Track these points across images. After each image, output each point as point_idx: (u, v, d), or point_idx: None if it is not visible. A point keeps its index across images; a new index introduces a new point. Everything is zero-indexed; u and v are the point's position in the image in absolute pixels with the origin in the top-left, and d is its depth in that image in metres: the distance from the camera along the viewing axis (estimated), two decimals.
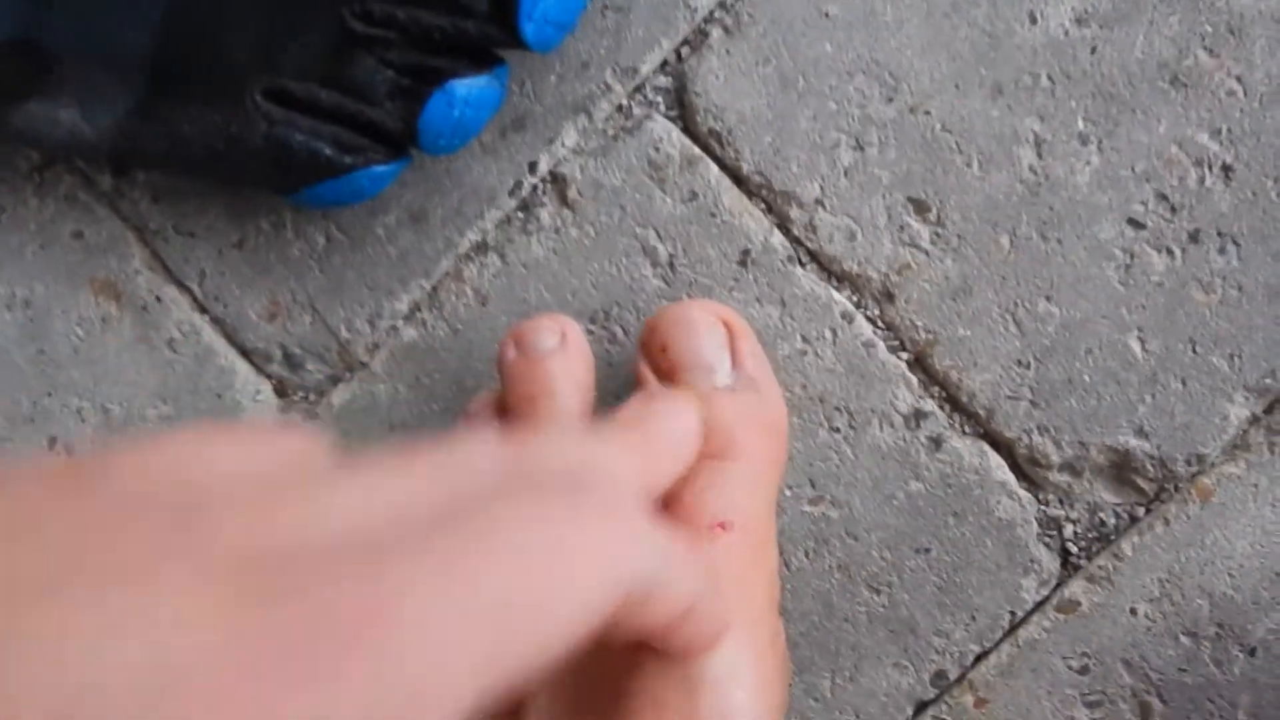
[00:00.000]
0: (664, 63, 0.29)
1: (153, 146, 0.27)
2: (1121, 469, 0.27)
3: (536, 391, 0.25)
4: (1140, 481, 0.27)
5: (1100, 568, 0.28)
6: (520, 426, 0.25)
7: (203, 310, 0.31)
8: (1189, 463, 0.27)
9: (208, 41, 0.26)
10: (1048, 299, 0.27)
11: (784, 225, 0.28)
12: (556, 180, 0.29)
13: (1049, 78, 0.27)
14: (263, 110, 0.26)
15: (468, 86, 0.25)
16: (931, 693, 0.28)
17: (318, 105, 0.26)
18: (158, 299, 0.32)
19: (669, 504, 0.24)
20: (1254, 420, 0.27)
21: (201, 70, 0.27)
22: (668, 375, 0.26)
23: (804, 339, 0.28)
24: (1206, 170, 0.27)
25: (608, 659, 0.22)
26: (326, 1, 0.25)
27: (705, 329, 0.26)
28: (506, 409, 0.26)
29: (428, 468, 0.14)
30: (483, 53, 0.25)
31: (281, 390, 0.31)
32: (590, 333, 0.29)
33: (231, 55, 0.26)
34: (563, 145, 0.29)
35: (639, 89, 0.29)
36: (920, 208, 0.28)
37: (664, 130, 0.29)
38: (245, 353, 0.31)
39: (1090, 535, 0.28)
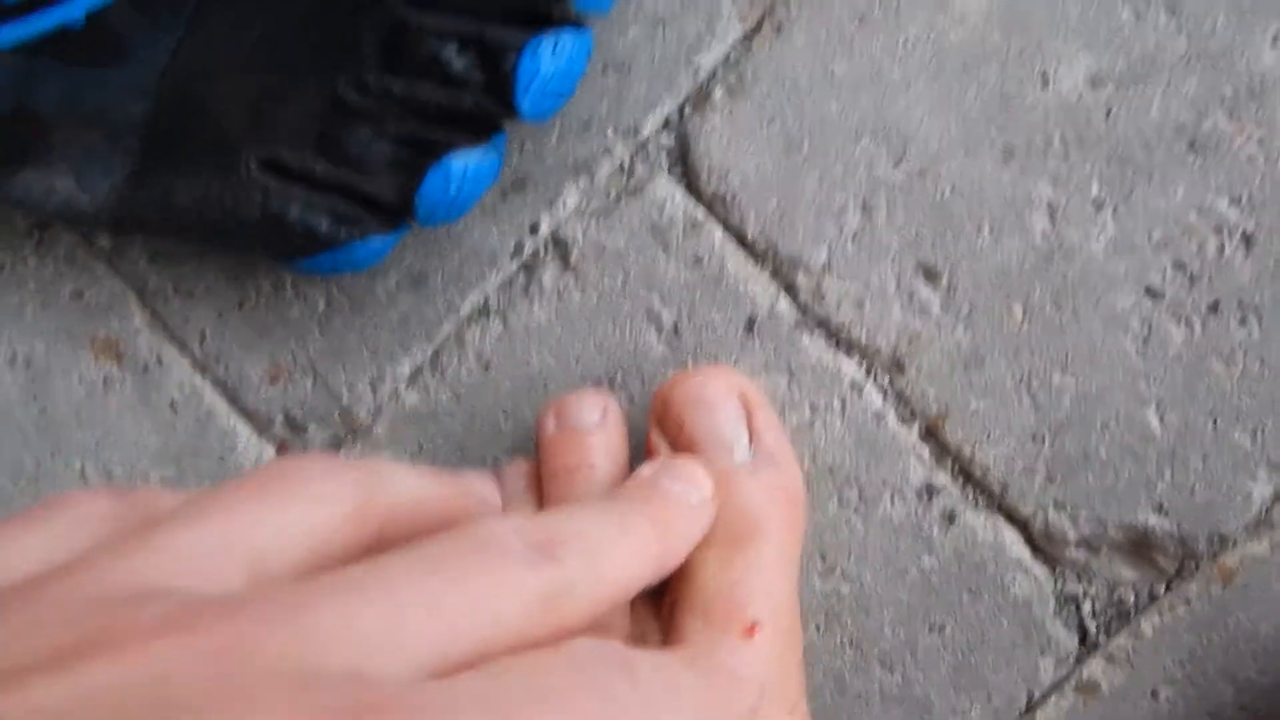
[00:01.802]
0: (667, 122, 0.38)
1: (149, 215, 0.37)
2: (1141, 546, 0.35)
3: (575, 465, 0.34)
4: (1160, 560, 0.35)
5: (1119, 647, 0.36)
6: (555, 499, 0.34)
7: (204, 371, 0.41)
8: (1210, 542, 0.35)
9: (202, 109, 0.36)
10: (1063, 370, 0.35)
11: (791, 291, 0.37)
12: (558, 242, 0.38)
13: (1062, 141, 0.35)
14: (258, 181, 0.35)
15: (465, 160, 0.33)
16: None
17: (313, 176, 0.35)
18: (159, 359, 0.42)
19: (696, 598, 0.32)
20: (1278, 498, 0.34)
21: (196, 138, 0.36)
22: (684, 450, 0.34)
23: (812, 409, 0.37)
24: (1226, 239, 0.34)
25: None
26: (321, 71, 0.34)
27: (721, 405, 0.34)
28: (541, 479, 0.35)
29: None
30: (480, 123, 0.34)
31: (284, 453, 0.41)
32: None
33: (226, 123, 0.35)
34: (564, 206, 0.38)
35: (641, 149, 0.38)
36: (930, 274, 0.36)
37: (667, 192, 0.38)
38: (247, 415, 0.41)
39: (1109, 613, 0.36)
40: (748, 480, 0.32)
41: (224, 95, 0.34)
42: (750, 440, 0.33)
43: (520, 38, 0.31)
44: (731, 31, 0.36)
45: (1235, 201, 0.33)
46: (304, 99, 0.33)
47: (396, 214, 0.34)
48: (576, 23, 0.32)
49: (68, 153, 0.35)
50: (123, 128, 0.34)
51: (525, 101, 0.32)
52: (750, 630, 0.30)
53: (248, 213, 0.34)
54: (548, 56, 0.31)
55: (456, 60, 0.31)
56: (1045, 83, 0.34)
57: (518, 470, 0.35)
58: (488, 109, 0.32)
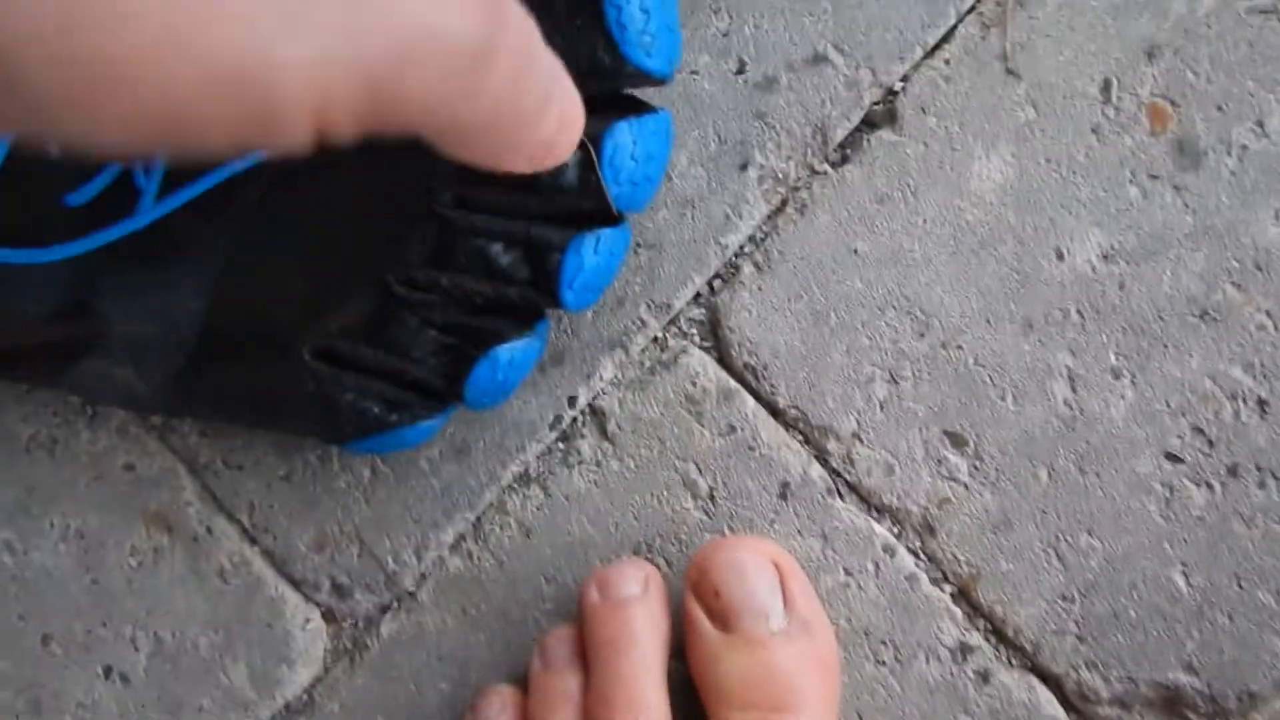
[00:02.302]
0: (697, 296, 0.39)
1: (204, 402, 0.38)
2: (1172, 704, 0.36)
3: (618, 635, 0.35)
4: (1192, 717, 0.36)
5: None
6: (600, 669, 0.35)
7: (252, 541, 0.42)
8: (1240, 699, 0.35)
9: (256, 305, 0.37)
10: (1089, 533, 0.36)
11: (822, 458, 0.38)
12: (596, 413, 0.40)
13: (1079, 313, 0.36)
14: (311, 369, 0.36)
15: (511, 351, 0.35)
16: None
17: (363, 363, 0.36)
18: (208, 530, 0.43)
19: None
20: None
21: (251, 331, 0.37)
22: (720, 618, 0.35)
23: (846, 572, 0.38)
24: (1241, 404, 0.35)
25: None
26: (370, 269, 0.36)
27: (756, 572, 0.35)
28: (585, 649, 0.36)
29: None
30: (524, 312, 0.35)
31: (331, 618, 0.42)
32: None
33: (280, 317, 0.37)
34: (601, 379, 0.40)
35: (673, 322, 0.39)
36: (957, 441, 0.37)
37: (700, 364, 0.39)
38: (294, 583, 0.42)
39: None
40: (783, 648, 0.33)
41: (278, 291, 0.35)
42: (785, 607, 0.34)
43: (564, 237, 0.33)
44: (757, 212, 0.38)
45: (1248, 369, 0.34)
46: (355, 293, 0.35)
47: (444, 399, 0.35)
48: (616, 220, 0.33)
49: (127, 346, 0.36)
50: (181, 325, 0.36)
51: (569, 296, 0.33)
52: None
53: (299, 400, 0.35)
54: (590, 254, 0.33)
55: (503, 257, 0.33)
56: (1060, 257, 0.35)
57: (562, 637, 0.36)
58: (533, 302, 0.34)
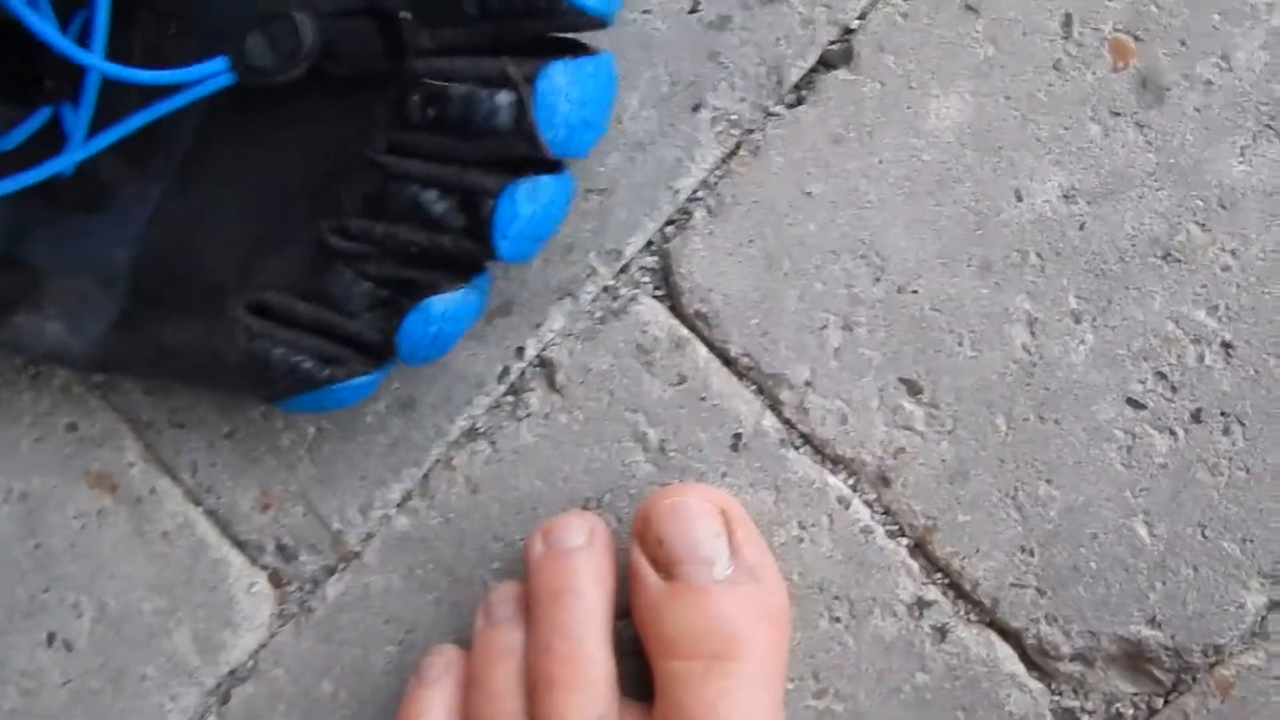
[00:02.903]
0: (649, 243, 0.38)
1: (137, 358, 0.37)
2: (1135, 659, 0.34)
3: (561, 587, 0.33)
4: (1156, 672, 0.34)
5: None
6: (541, 622, 0.34)
7: (196, 502, 0.41)
8: (1205, 653, 0.34)
9: (188, 255, 0.36)
10: (1048, 482, 0.35)
11: (775, 408, 0.37)
12: (544, 365, 0.38)
13: (1038, 255, 0.35)
14: (243, 323, 0.35)
15: (445, 302, 0.33)
16: None
17: (297, 318, 0.35)
18: (152, 491, 0.41)
19: (678, 715, 0.32)
20: (1272, 606, 0.34)
21: (183, 283, 0.36)
22: (664, 567, 0.34)
23: (800, 525, 0.36)
24: (1205, 348, 0.34)
25: None
26: (304, 218, 0.34)
27: (701, 520, 0.34)
28: (529, 602, 0.34)
29: None
30: (461, 264, 0.34)
31: (276, 581, 0.41)
32: None
33: (212, 269, 0.35)
34: (549, 329, 0.38)
35: (624, 270, 0.38)
36: (913, 389, 0.36)
37: (651, 312, 0.37)
38: (239, 544, 0.41)
39: None
40: (728, 596, 0.31)
41: (210, 243, 0.34)
42: (731, 556, 0.32)
43: (498, 183, 0.31)
44: (709, 156, 0.36)
45: (1212, 311, 0.33)
46: (289, 246, 0.33)
47: (379, 354, 0.34)
48: (555, 166, 0.32)
49: (58, 298, 0.35)
50: (112, 274, 0.35)
51: (503, 245, 0.32)
52: None
53: (233, 355, 0.34)
54: (525, 201, 0.31)
55: (437, 205, 0.32)
56: (1019, 198, 0.34)
57: (505, 593, 0.34)
58: (468, 251, 0.32)
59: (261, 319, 0.34)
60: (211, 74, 0.31)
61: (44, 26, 0.30)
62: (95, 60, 0.30)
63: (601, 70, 0.32)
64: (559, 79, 0.31)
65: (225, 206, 0.34)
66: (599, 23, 0.31)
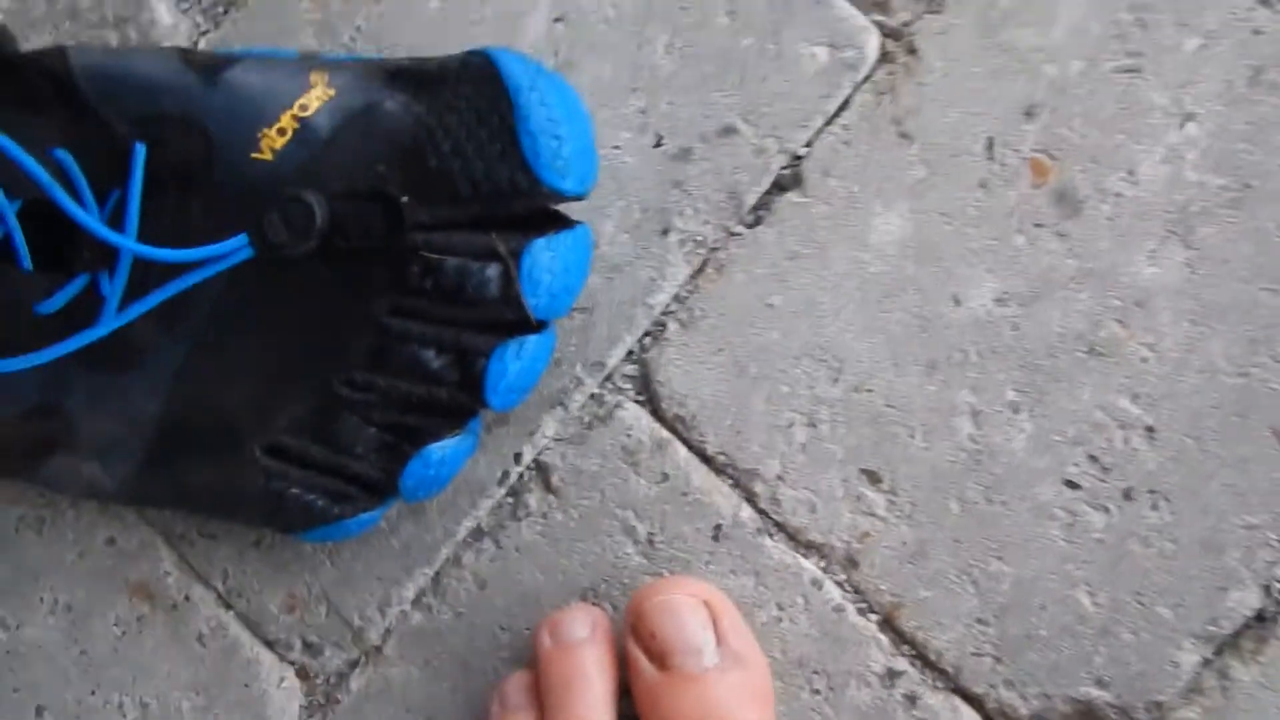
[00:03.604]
0: (629, 354, 0.41)
1: (163, 495, 0.40)
2: (1086, 718, 0.37)
3: (571, 676, 0.36)
4: None
5: None
6: (554, 709, 0.36)
7: (228, 606, 0.44)
8: (1148, 710, 0.37)
9: (211, 406, 0.38)
10: (999, 558, 0.38)
11: (751, 500, 0.40)
12: (540, 468, 0.41)
13: (978, 354, 0.38)
14: (261, 464, 0.38)
15: (442, 449, 0.36)
16: None
17: (310, 459, 0.38)
18: (186, 598, 0.44)
19: None
20: (1205, 664, 0.36)
21: (205, 430, 0.39)
22: (657, 658, 0.36)
23: (778, 606, 0.39)
24: (1131, 432, 0.37)
25: None
26: (314, 371, 0.37)
27: (688, 614, 0.37)
28: (540, 691, 0.37)
29: None
30: (455, 413, 0.37)
31: (304, 676, 0.43)
32: None
33: (232, 417, 0.38)
34: (544, 435, 0.41)
35: (608, 380, 0.41)
36: (873, 478, 0.39)
37: (634, 417, 0.41)
38: (268, 643, 0.44)
39: None
40: (718, 682, 0.34)
41: (230, 395, 0.37)
42: (718, 644, 0.35)
43: (489, 344, 0.34)
44: (680, 273, 0.39)
45: (1135, 398, 0.36)
46: (301, 395, 0.37)
47: (383, 492, 0.37)
48: (539, 327, 0.35)
49: (92, 442, 0.38)
50: (141, 423, 0.38)
51: (495, 399, 0.35)
52: None
53: (250, 493, 0.37)
54: (513, 360, 0.35)
55: (434, 362, 0.35)
56: (957, 303, 0.37)
57: (518, 683, 0.37)
58: (462, 403, 0.35)
59: (277, 460, 0.37)
60: (233, 250, 0.34)
61: (84, 215, 0.34)
62: (130, 243, 0.34)
63: (579, 242, 0.35)
64: (541, 255, 0.34)
65: (244, 363, 0.37)
66: (576, 198, 0.35)
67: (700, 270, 0.39)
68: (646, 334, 0.40)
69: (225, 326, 0.37)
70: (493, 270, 0.34)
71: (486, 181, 0.34)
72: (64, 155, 0.36)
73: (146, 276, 0.36)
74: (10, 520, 0.45)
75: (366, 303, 0.35)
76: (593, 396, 0.40)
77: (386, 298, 0.35)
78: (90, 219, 0.33)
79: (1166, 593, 0.36)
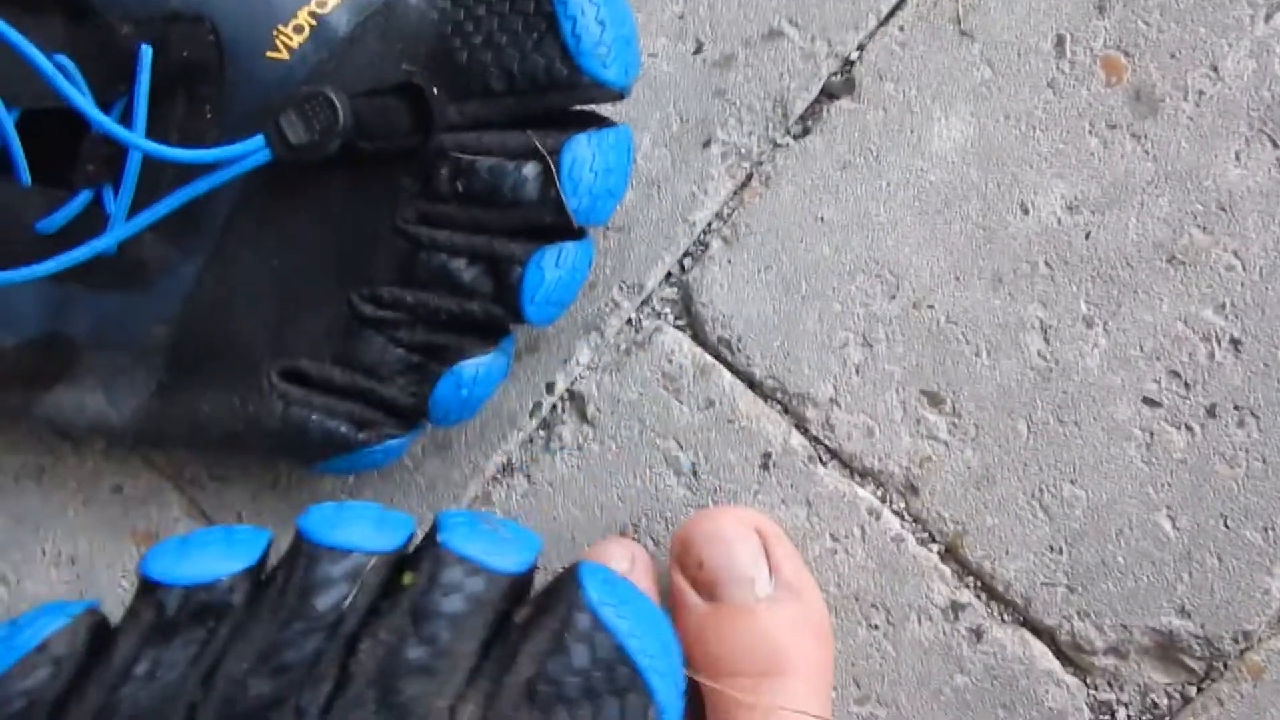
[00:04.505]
0: (668, 275, 0.37)
1: (174, 428, 0.35)
2: (1168, 649, 0.34)
3: None
4: (1188, 661, 0.33)
5: None
6: None
7: None
8: (1236, 640, 0.33)
9: (224, 328, 0.34)
10: (1072, 482, 0.34)
11: (802, 426, 0.36)
12: (574, 398, 0.37)
13: (1047, 265, 0.34)
14: (279, 390, 0.34)
15: (475, 366, 0.32)
16: None
17: (332, 384, 0.33)
18: None
19: None
20: None
21: (218, 355, 0.35)
22: (706, 589, 0.32)
23: (833, 538, 0.35)
24: (1215, 345, 0.33)
25: None
26: (334, 288, 0.33)
27: (739, 540, 0.33)
28: None
29: None
30: (488, 328, 0.33)
31: None
32: None
33: (246, 340, 0.34)
34: (578, 363, 0.37)
35: (646, 302, 0.37)
36: (934, 400, 0.35)
37: (675, 341, 0.37)
38: None
39: (1145, 718, 0.34)
40: (771, 613, 0.30)
41: (244, 316, 0.33)
42: (771, 573, 0.31)
43: (526, 251, 0.31)
44: (723, 188, 0.35)
45: (1219, 309, 0.32)
46: (319, 315, 0.33)
47: (411, 417, 0.33)
48: (578, 234, 0.31)
49: (97, 371, 0.34)
50: (149, 348, 0.34)
51: (531, 309, 0.31)
52: None
53: (269, 422, 0.33)
54: (551, 267, 0.31)
55: (466, 273, 0.31)
56: (1025, 211, 0.33)
57: None
58: (496, 316, 0.31)
59: (296, 386, 0.33)
60: (249, 152, 0.30)
61: (89, 106, 0.29)
62: (138, 140, 0.29)
63: (621, 141, 0.31)
64: (583, 151, 0.30)
65: (258, 280, 0.33)
66: (617, 95, 0.31)
67: (745, 184, 0.35)
68: (687, 253, 0.36)
69: (239, 242, 0.33)
70: (530, 170, 0.30)
71: (522, 73, 0.30)
72: (65, 61, 0.32)
73: (154, 191, 0.31)
74: (9, 469, 0.41)
75: (392, 211, 0.31)
76: (629, 322, 0.36)
77: (413, 205, 0.31)
78: (96, 111, 0.29)
79: (1255, 515, 0.32)
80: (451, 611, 0.24)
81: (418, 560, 0.24)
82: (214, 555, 0.24)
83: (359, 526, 0.25)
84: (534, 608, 0.25)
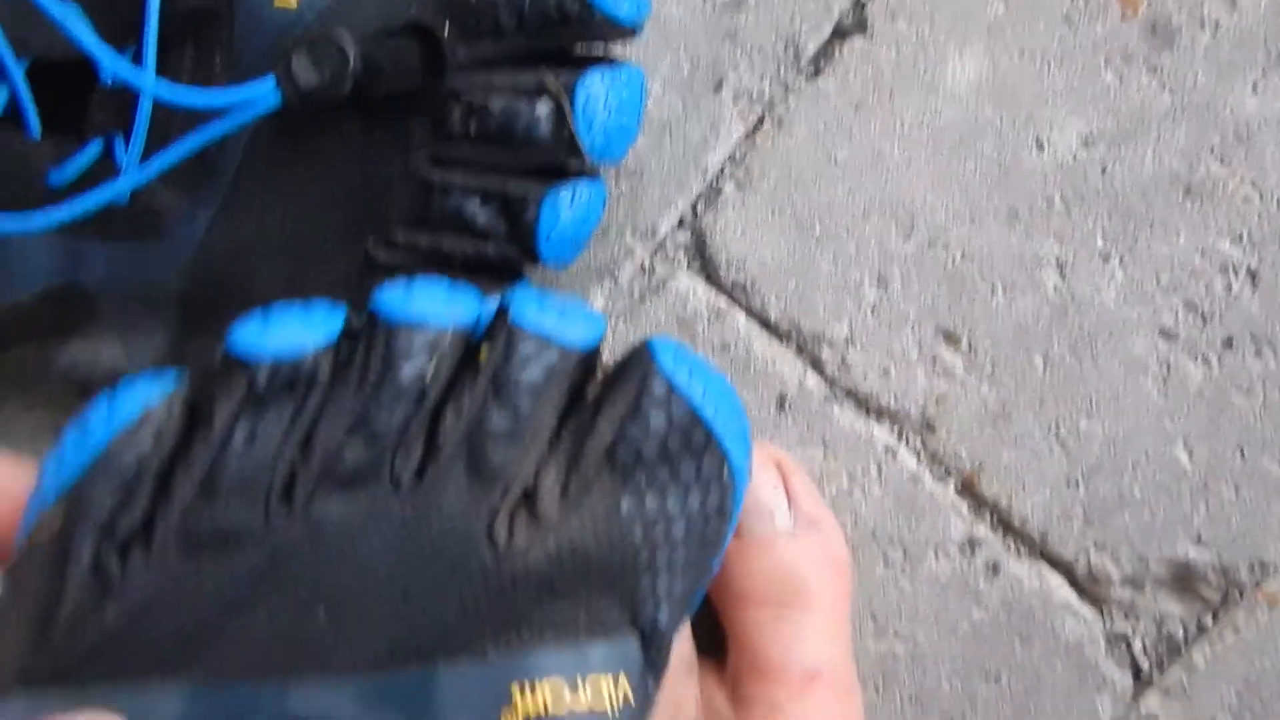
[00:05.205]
0: (681, 220, 0.36)
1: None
2: (1184, 580, 0.33)
3: None
4: (1204, 591, 0.33)
5: (1174, 681, 0.33)
6: None
7: None
8: (1252, 569, 0.32)
9: (236, 277, 0.33)
10: (1088, 417, 0.33)
11: (817, 366, 0.35)
12: None
13: (1063, 200, 0.33)
14: None
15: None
16: None
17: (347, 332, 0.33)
18: None
19: (754, 661, 0.30)
20: None
21: (232, 304, 0.33)
22: None
23: (849, 477, 0.35)
24: (1232, 276, 0.32)
25: None
26: (347, 234, 0.32)
27: (758, 473, 0.32)
28: None
29: None
30: (503, 270, 0.32)
31: None
32: None
33: (260, 289, 0.33)
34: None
35: (660, 248, 0.36)
36: (950, 338, 0.34)
37: (688, 286, 0.36)
38: None
39: (1160, 648, 0.33)
40: (790, 545, 0.30)
41: (258, 265, 0.32)
42: (790, 506, 0.31)
43: (539, 190, 0.29)
44: (734, 131, 0.34)
45: (1236, 240, 0.31)
46: (332, 262, 0.32)
47: None
48: (592, 173, 0.30)
49: (113, 323, 0.33)
50: (163, 299, 0.33)
51: (546, 249, 0.30)
52: (808, 682, 0.28)
53: None
54: (565, 206, 0.30)
55: (480, 214, 0.30)
56: (1040, 147, 0.32)
57: None
58: (510, 258, 0.30)
59: None
60: (260, 94, 0.29)
61: (100, 48, 0.28)
62: (149, 80, 0.28)
63: (634, 78, 0.30)
64: (597, 87, 0.29)
65: (270, 229, 0.32)
66: (629, 32, 0.30)
67: (757, 126, 0.34)
68: (700, 198, 0.34)
69: (250, 192, 0.32)
70: (543, 108, 0.29)
71: (533, 10, 0.29)
72: (73, 8, 0.30)
73: (165, 142, 0.30)
74: (24, 429, 0.40)
75: (404, 156, 0.30)
76: (643, 267, 0.35)
77: (425, 147, 0.30)
78: (108, 52, 0.28)
79: (1271, 445, 0.31)
80: (530, 381, 0.24)
81: (491, 336, 0.25)
82: (295, 330, 0.24)
83: (432, 301, 0.24)
84: (607, 381, 0.25)
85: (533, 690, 0.23)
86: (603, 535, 0.24)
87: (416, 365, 0.24)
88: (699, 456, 0.25)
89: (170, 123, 0.31)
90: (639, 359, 0.26)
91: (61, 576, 0.23)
